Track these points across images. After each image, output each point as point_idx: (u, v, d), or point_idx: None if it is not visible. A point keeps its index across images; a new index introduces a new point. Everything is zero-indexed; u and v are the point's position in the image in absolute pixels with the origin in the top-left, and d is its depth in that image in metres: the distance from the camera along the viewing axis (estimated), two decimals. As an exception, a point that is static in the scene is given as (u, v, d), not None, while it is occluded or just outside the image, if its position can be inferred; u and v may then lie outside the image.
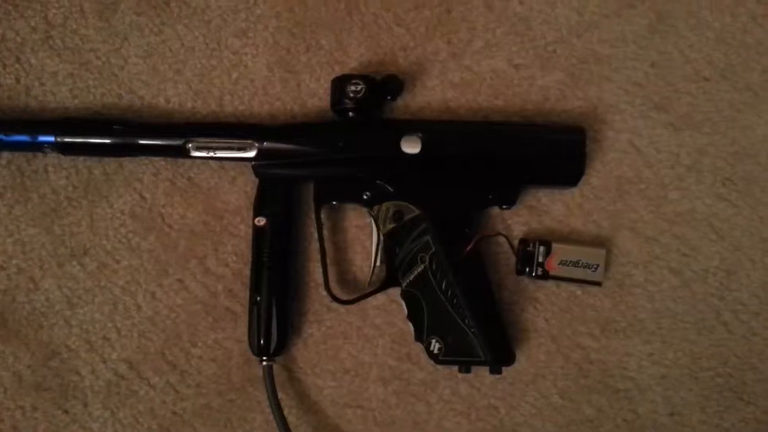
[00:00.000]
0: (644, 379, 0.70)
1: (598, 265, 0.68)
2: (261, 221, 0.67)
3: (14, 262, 0.71)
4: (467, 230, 0.67)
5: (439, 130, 0.68)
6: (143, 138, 0.68)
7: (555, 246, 0.68)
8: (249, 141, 0.67)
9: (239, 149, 0.67)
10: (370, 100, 0.67)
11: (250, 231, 0.68)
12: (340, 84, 0.67)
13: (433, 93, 0.72)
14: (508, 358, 0.67)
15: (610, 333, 0.70)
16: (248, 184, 0.71)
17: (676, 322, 0.70)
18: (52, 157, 0.71)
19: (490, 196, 0.68)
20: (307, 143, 0.67)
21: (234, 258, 0.71)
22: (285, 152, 0.67)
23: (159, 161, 0.72)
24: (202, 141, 0.67)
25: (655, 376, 0.70)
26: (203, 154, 0.67)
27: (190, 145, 0.67)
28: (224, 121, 0.72)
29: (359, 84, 0.66)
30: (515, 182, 0.68)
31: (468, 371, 0.66)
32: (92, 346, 0.71)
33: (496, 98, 0.72)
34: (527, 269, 0.68)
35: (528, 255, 0.68)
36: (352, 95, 0.66)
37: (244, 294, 0.69)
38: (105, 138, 0.67)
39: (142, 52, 0.73)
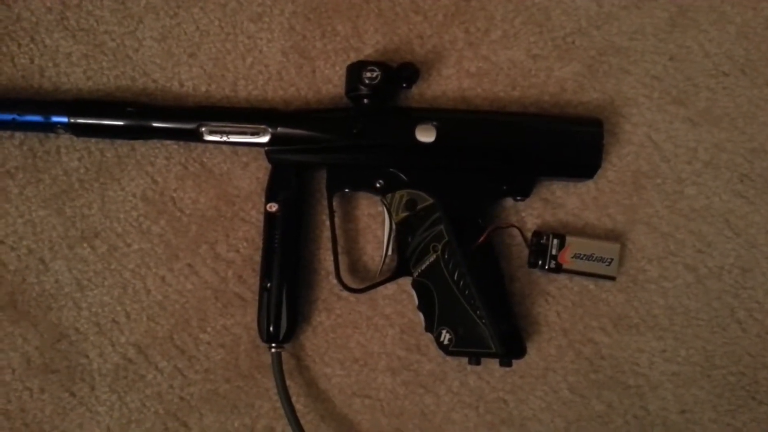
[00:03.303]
0: (656, 375, 0.69)
1: (612, 260, 0.67)
2: (273, 207, 0.67)
3: (25, 243, 0.71)
4: (480, 221, 0.66)
5: (455, 120, 0.67)
6: (156, 121, 0.67)
7: (569, 239, 0.68)
8: (263, 126, 0.66)
9: (253, 134, 0.67)
10: (385, 87, 0.66)
11: (262, 217, 0.68)
12: (355, 70, 0.66)
13: (449, 82, 0.71)
14: (519, 351, 0.66)
15: (622, 328, 0.70)
16: (260, 170, 0.71)
17: (690, 319, 0.70)
18: (65, 139, 0.71)
19: (505, 187, 0.67)
20: (321, 129, 0.67)
21: (245, 244, 0.71)
22: (298, 138, 0.67)
23: (171, 145, 0.71)
24: (216, 125, 0.67)
25: (667, 373, 0.69)
26: (216, 138, 0.67)
27: (203, 128, 0.67)
28: (238, 105, 0.72)
29: (375, 71, 0.65)
30: (530, 174, 0.68)
31: (478, 363, 0.66)
32: (101, 329, 0.71)
33: (513, 89, 0.71)
34: (540, 262, 0.68)
35: (541, 248, 0.68)
36: (367, 82, 0.65)
37: (254, 280, 0.69)
38: (118, 120, 0.67)
39: (157, 34, 0.72)
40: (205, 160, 0.71)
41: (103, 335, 0.71)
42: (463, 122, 0.68)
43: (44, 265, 0.71)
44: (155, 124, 0.67)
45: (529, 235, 0.69)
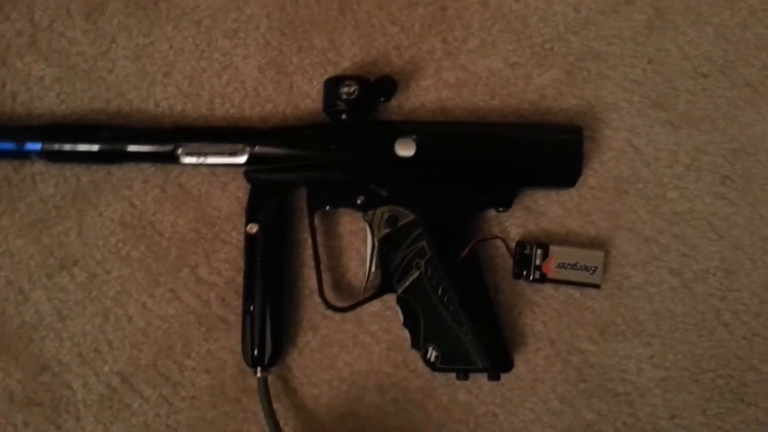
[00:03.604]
0: (644, 382, 0.69)
1: (596, 268, 0.67)
2: (253, 228, 0.66)
3: (2, 273, 0.70)
4: (463, 234, 0.66)
5: (434, 132, 0.67)
6: (131, 144, 0.66)
7: (552, 249, 0.67)
8: (240, 145, 0.66)
9: (230, 154, 0.66)
10: (363, 101, 0.65)
11: (243, 238, 0.67)
12: (332, 85, 0.65)
13: (428, 93, 0.71)
14: (506, 365, 0.66)
15: (609, 336, 0.70)
16: (240, 190, 0.70)
17: (676, 323, 0.70)
18: (40, 166, 0.70)
19: (486, 199, 0.67)
20: (299, 146, 0.66)
21: (226, 266, 0.70)
22: (277, 156, 0.66)
23: (149, 168, 0.70)
24: (193, 146, 0.66)
25: (655, 378, 0.69)
26: (194, 160, 0.66)
27: (180, 150, 0.66)
28: (215, 125, 0.71)
29: (352, 85, 0.64)
30: (512, 184, 0.67)
31: (466, 378, 0.66)
32: (84, 359, 0.70)
33: (492, 98, 0.70)
34: (524, 273, 0.67)
35: (525, 258, 0.67)
36: (345, 97, 0.64)
37: (238, 303, 0.68)
38: (92, 144, 0.66)
39: (131, 54, 0.71)
40: (183, 181, 0.70)
41: (86, 365, 0.70)
42: (442, 135, 0.67)
43: (23, 295, 0.70)
44: (130, 148, 0.66)
45: (512, 245, 0.69)
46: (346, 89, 0.64)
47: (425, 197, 0.66)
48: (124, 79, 0.71)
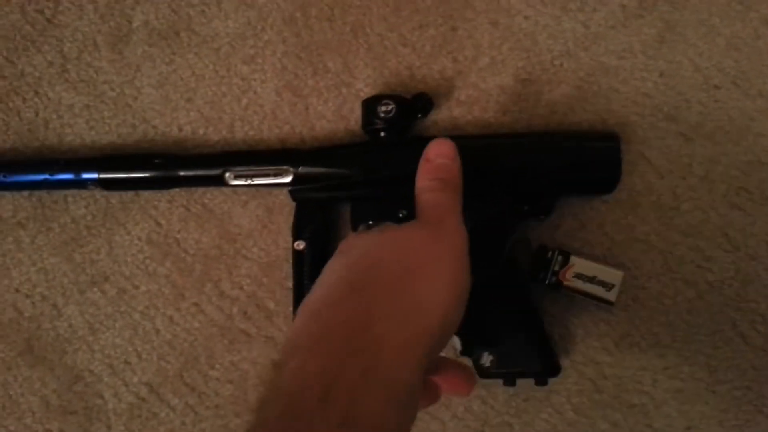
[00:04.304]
0: (660, 393, 0.70)
1: (613, 285, 0.68)
2: (300, 245, 0.68)
3: (38, 290, 0.74)
4: (504, 242, 0.67)
5: (472, 146, 0.67)
6: (183, 170, 0.69)
7: (573, 258, 0.68)
8: (285, 167, 0.68)
9: (275, 175, 0.68)
10: (400, 119, 0.67)
11: (262, 254, 0.70)
12: (370, 105, 0.68)
13: (440, 111, 0.72)
14: (555, 369, 0.67)
15: (624, 347, 0.70)
16: (260, 208, 0.73)
17: (692, 334, 0.70)
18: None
19: (527, 208, 0.68)
20: (340, 165, 0.68)
21: (248, 281, 0.73)
22: (320, 175, 0.68)
23: (173, 189, 0.74)
24: (240, 170, 0.69)
25: (671, 390, 0.69)
26: (241, 182, 0.69)
27: (228, 174, 0.69)
28: (259, 148, 0.74)
29: (389, 104, 0.67)
30: (552, 193, 0.68)
31: (513, 384, 0.66)
32: (114, 370, 0.73)
33: (503, 114, 0.72)
34: (541, 275, 0.68)
35: (545, 262, 0.68)
36: (382, 115, 0.67)
37: (258, 316, 0.71)
38: (146, 172, 0.70)
39: (155, 82, 0.75)
40: (206, 201, 0.73)
41: (116, 376, 0.73)
42: (480, 147, 0.68)
43: (57, 310, 0.74)
44: (182, 173, 0.69)
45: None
46: (383, 108, 0.67)
47: (466, 208, 0.66)
48: (148, 106, 0.75)
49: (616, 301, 0.68)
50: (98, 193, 0.74)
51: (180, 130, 0.74)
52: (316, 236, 0.69)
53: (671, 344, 0.70)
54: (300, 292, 0.68)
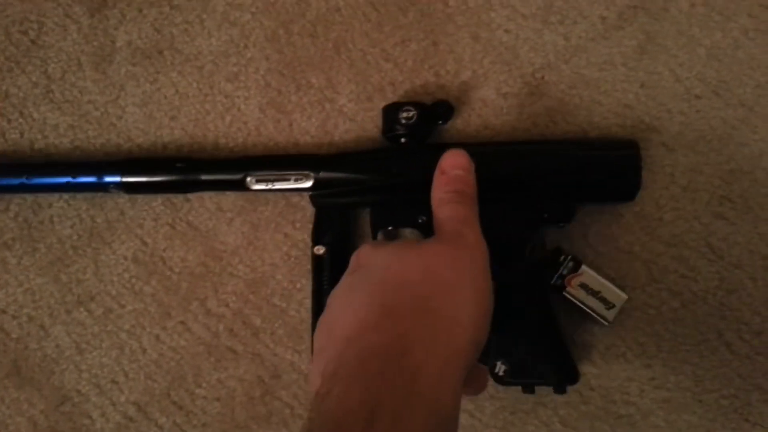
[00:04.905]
0: (646, 403, 0.70)
1: (614, 305, 0.68)
2: (320, 250, 0.68)
3: (25, 311, 0.74)
4: (524, 250, 0.67)
5: (491, 153, 0.68)
6: (205, 174, 0.70)
7: (584, 268, 0.68)
8: (306, 172, 0.69)
9: (296, 180, 0.69)
10: (421, 125, 0.68)
11: (248, 271, 0.70)
12: (391, 111, 0.68)
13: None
14: (574, 377, 0.66)
15: (610, 358, 0.70)
16: (245, 225, 0.73)
17: (678, 344, 0.70)
18: (57, 208, 0.74)
19: (547, 215, 0.68)
20: (361, 171, 0.69)
21: (234, 298, 0.73)
22: (340, 180, 0.69)
23: (159, 206, 0.74)
24: (261, 174, 0.69)
25: (658, 400, 0.70)
26: (262, 186, 0.69)
27: (249, 178, 0.69)
28: (280, 153, 0.74)
29: (411, 110, 0.67)
30: (572, 201, 0.68)
31: (532, 392, 0.66)
32: (101, 389, 0.73)
33: (485, 128, 0.72)
34: (548, 273, 0.68)
35: (555, 263, 0.68)
36: (404, 122, 0.67)
37: (245, 333, 0.71)
38: (169, 176, 0.70)
39: (139, 100, 0.75)
40: (191, 219, 0.74)
41: (103, 395, 0.73)
42: (499, 154, 0.68)
43: (44, 331, 0.74)
44: (204, 177, 0.70)
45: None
46: (405, 114, 0.67)
47: (486, 215, 0.63)
48: (133, 125, 0.75)
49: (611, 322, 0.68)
50: (84, 213, 0.74)
51: (164, 148, 0.74)
52: (335, 241, 0.69)
53: (657, 354, 0.70)
54: (320, 297, 0.68)
